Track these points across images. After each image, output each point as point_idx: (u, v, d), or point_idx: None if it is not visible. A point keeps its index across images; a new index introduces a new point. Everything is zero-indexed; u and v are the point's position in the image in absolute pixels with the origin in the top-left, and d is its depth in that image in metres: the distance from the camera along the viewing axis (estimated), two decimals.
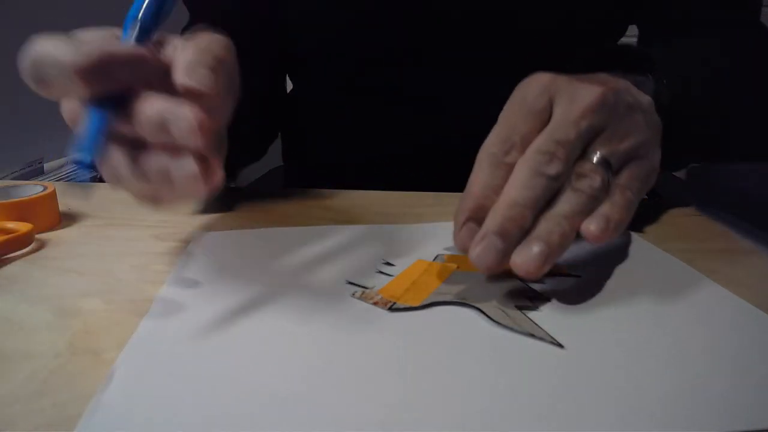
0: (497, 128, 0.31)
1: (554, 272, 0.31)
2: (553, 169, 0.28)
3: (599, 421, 0.20)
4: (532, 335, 0.25)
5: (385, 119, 0.56)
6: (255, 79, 0.33)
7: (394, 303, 0.28)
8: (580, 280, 0.31)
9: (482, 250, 0.27)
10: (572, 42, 0.51)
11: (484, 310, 0.27)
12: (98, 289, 0.31)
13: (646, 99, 0.34)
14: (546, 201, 0.28)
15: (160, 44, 0.27)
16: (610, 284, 0.31)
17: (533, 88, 0.31)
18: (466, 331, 0.26)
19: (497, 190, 0.28)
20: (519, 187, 0.27)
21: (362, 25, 0.51)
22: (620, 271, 0.33)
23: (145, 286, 0.31)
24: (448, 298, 0.29)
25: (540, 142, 0.28)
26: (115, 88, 0.25)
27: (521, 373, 0.23)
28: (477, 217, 0.28)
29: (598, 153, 0.29)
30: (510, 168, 0.29)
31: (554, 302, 0.29)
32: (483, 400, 0.21)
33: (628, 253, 0.35)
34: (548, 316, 0.27)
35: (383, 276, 0.32)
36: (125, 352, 0.24)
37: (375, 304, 0.28)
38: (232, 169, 0.52)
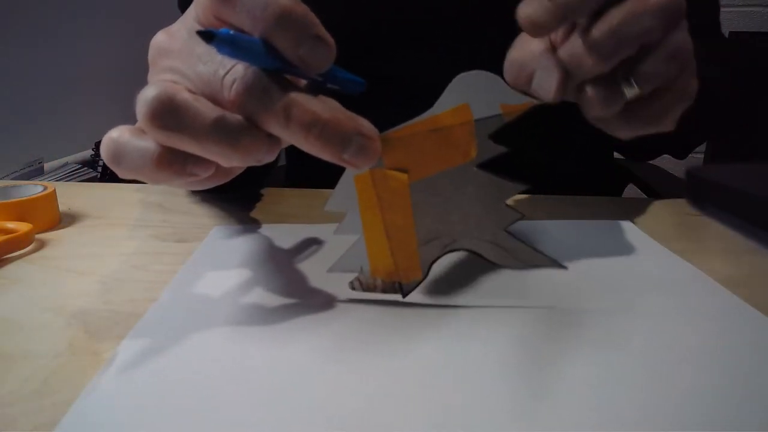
0: None
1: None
2: None
3: (589, 421, 0.20)
4: (534, 265, 0.24)
5: (387, 118, 0.56)
6: None
7: (401, 284, 0.27)
8: (573, 275, 0.31)
9: None
10: None
11: (480, 252, 0.27)
12: (98, 289, 0.31)
13: None
14: None
15: None
16: (605, 280, 0.31)
17: None
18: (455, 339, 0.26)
19: None
20: None
21: (369, 17, 0.51)
22: (616, 266, 0.33)
23: (145, 286, 0.31)
24: (437, 251, 0.27)
25: None
26: None
27: (513, 376, 0.23)
28: None
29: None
30: None
31: (546, 300, 0.29)
32: (478, 403, 0.21)
33: (625, 246, 0.36)
34: (539, 314, 0.27)
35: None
36: (126, 341, 0.24)
37: (384, 291, 0.27)
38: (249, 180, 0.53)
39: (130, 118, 0.26)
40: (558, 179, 0.51)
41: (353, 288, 0.28)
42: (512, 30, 0.27)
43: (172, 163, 0.23)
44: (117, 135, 0.24)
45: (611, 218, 0.41)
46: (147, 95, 0.23)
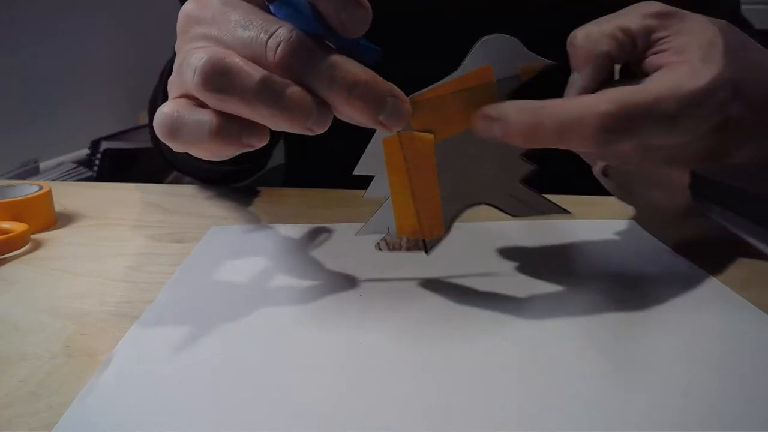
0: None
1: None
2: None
3: (592, 420, 0.20)
4: (546, 212, 0.29)
5: None
6: None
7: (424, 242, 0.29)
8: (576, 274, 0.31)
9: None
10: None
11: (499, 205, 0.29)
12: (94, 290, 0.30)
13: None
14: None
15: None
16: (608, 279, 0.31)
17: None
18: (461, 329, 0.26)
19: None
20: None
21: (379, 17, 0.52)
22: (620, 266, 0.32)
23: (141, 287, 0.31)
24: (458, 206, 0.29)
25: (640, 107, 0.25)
26: None
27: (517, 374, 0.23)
28: None
29: None
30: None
31: (547, 299, 0.29)
32: (485, 401, 0.21)
33: (629, 246, 0.36)
34: (539, 313, 0.27)
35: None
36: (122, 342, 0.24)
37: (409, 250, 0.29)
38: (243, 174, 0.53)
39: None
40: (560, 179, 0.51)
41: (380, 249, 0.30)
42: (513, 32, 0.27)
43: (228, 134, 0.24)
44: (170, 110, 0.25)
45: (615, 218, 0.41)
46: (197, 60, 0.23)
